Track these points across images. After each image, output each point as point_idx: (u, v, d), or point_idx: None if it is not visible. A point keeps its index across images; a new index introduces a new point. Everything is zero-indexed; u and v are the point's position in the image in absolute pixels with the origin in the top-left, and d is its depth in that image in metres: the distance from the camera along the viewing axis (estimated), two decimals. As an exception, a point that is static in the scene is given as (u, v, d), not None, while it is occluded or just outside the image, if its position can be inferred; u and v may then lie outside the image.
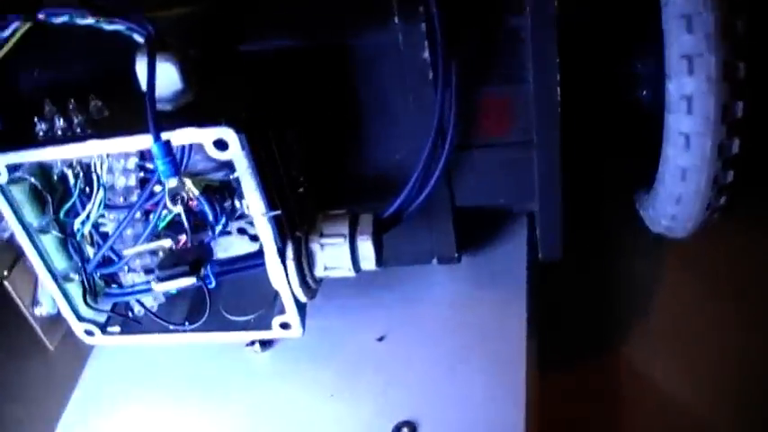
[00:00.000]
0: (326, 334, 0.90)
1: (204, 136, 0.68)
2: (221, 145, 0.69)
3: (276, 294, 0.85)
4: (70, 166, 0.77)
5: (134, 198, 0.79)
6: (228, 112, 0.70)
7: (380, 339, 0.89)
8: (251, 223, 0.82)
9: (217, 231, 0.74)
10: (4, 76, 0.80)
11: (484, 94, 0.80)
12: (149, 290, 0.79)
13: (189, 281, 0.68)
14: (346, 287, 0.88)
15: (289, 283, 0.78)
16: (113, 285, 0.84)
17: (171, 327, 0.84)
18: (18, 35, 0.70)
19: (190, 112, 0.71)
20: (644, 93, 0.90)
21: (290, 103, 0.78)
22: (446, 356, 0.86)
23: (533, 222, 0.97)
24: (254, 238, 0.84)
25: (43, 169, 0.78)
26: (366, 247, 0.80)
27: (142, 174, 0.79)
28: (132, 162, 0.78)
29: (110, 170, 0.78)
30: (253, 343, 0.91)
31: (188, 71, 0.71)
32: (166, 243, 0.73)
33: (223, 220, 0.76)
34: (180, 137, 0.68)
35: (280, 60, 0.79)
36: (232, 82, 0.78)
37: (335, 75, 0.80)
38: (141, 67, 0.70)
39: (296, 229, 0.77)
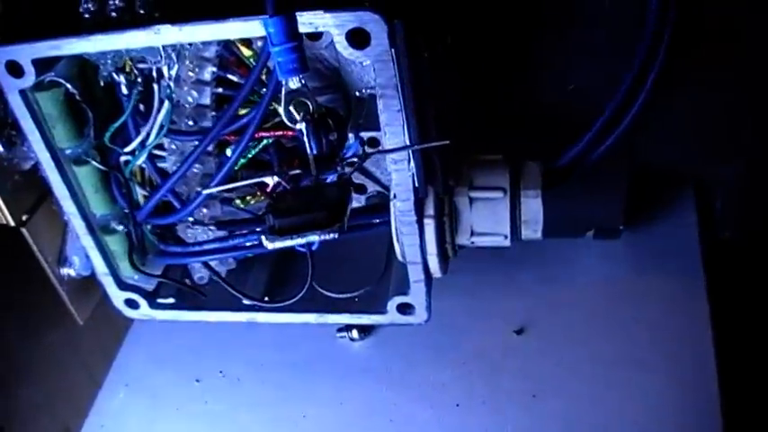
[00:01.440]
0: (447, 322, 0.67)
1: (337, 22, 0.45)
2: (360, 38, 0.46)
3: (387, 266, 0.63)
4: (122, 69, 0.54)
5: (207, 123, 0.57)
6: None
7: (519, 332, 0.67)
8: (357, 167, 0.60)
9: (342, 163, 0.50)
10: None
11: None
12: (236, 248, 0.57)
13: (325, 236, 0.44)
14: (470, 260, 0.66)
15: (423, 250, 0.56)
16: (169, 241, 0.61)
17: (247, 302, 0.62)
18: None
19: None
20: None
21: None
22: (609, 357, 0.65)
23: (703, 192, 0.75)
24: (360, 189, 0.62)
25: (84, 72, 0.55)
26: (533, 207, 0.58)
27: (220, 89, 0.56)
28: (209, 72, 0.55)
29: (176, 81, 0.55)
30: (348, 328, 0.68)
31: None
32: (269, 180, 0.50)
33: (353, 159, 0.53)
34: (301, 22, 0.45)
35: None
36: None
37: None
38: None
39: (448, 177, 0.54)
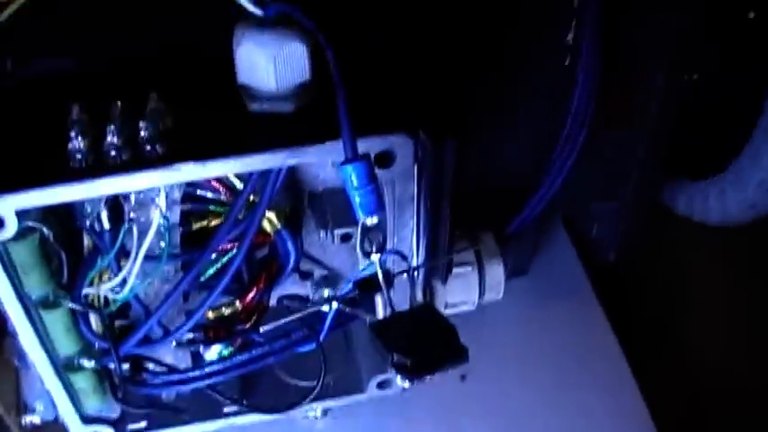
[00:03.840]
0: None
1: (365, 148, 0.48)
2: (385, 159, 0.49)
3: (349, 350, 0.66)
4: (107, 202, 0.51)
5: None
6: (385, 112, 0.50)
7: (463, 379, 0.73)
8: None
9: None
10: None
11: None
12: (242, 364, 0.56)
13: (457, 367, 0.46)
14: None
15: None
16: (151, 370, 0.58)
17: (227, 409, 0.62)
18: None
19: (318, 115, 0.49)
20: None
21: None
22: (547, 386, 0.73)
23: (575, 223, 0.87)
24: (306, 276, 0.63)
25: (62, 214, 0.51)
26: (497, 273, 0.64)
27: (188, 206, 0.55)
28: (180, 191, 0.54)
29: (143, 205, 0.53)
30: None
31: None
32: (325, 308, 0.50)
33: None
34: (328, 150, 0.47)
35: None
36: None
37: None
38: (250, 51, 0.47)
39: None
